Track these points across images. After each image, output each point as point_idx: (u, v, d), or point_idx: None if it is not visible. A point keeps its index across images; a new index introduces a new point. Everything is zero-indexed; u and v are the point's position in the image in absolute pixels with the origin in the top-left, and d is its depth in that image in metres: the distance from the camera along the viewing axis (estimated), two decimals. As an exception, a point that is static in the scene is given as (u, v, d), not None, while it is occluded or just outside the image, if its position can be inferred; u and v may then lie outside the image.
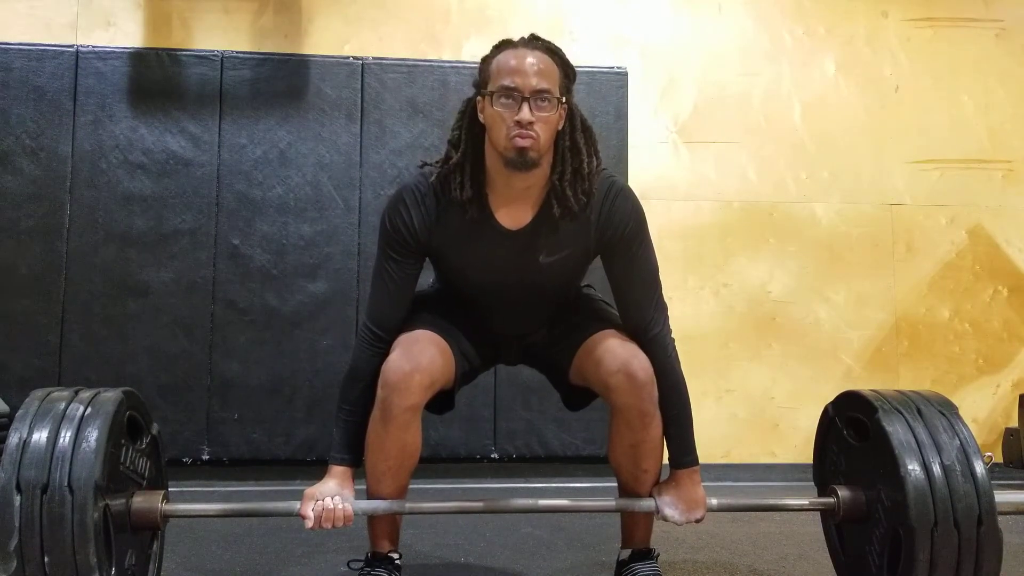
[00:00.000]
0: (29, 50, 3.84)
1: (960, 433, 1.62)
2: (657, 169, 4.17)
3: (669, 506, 1.74)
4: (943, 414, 1.65)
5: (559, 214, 1.65)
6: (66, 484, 1.41)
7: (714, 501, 1.76)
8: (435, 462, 3.64)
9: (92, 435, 1.47)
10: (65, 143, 3.80)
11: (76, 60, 3.85)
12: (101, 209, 3.81)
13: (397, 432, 1.68)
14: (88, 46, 3.89)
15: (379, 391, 1.68)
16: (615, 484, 1.90)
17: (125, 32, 3.97)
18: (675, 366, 1.76)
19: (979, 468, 1.58)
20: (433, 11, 4.18)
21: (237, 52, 3.96)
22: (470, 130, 1.66)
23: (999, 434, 4.19)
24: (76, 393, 1.55)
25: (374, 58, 4.03)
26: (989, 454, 1.66)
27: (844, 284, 4.26)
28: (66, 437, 1.46)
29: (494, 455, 3.90)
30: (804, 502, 1.83)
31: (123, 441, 1.58)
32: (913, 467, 1.57)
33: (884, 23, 4.43)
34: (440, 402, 1.83)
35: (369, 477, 1.76)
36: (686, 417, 1.76)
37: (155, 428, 1.73)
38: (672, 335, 1.77)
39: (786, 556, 2.37)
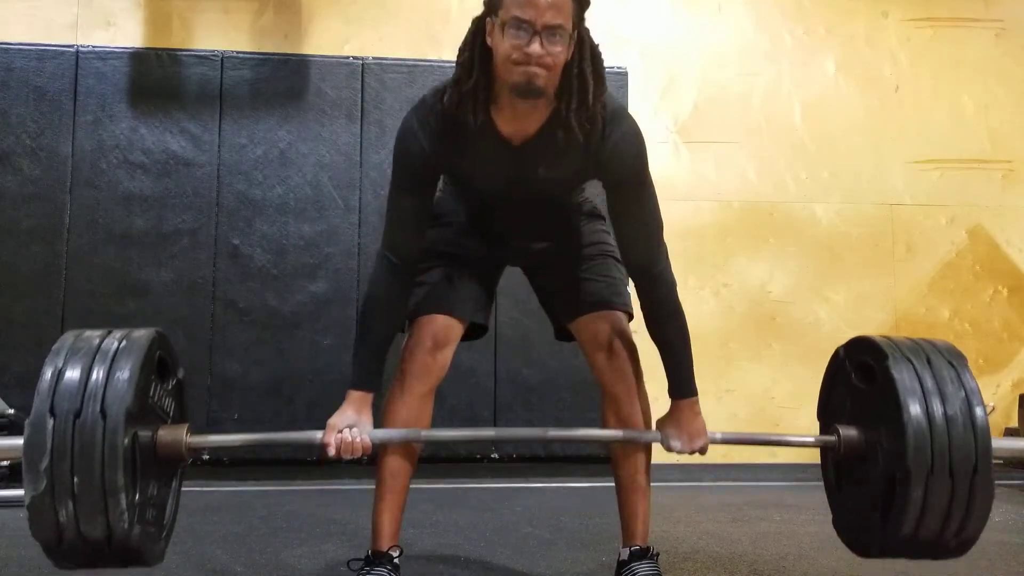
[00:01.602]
0: (29, 50, 3.84)
1: (966, 384, 1.64)
2: (657, 169, 4.10)
3: (672, 437, 1.80)
4: (952, 364, 1.68)
5: (561, 138, 1.67)
6: (99, 410, 1.44)
7: (718, 435, 1.82)
8: (435, 462, 3.64)
9: (126, 366, 1.50)
10: (65, 143, 3.80)
11: (76, 60, 3.85)
12: (101, 209, 3.81)
13: (414, 403, 1.82)
14: (88, 46, 3.89)
15: (400, 371, 1.83)
16: (615, 484, 1.94)
17: (125, 32, 3.97)
18: (676, 301, 1.82)
19: (980, 419, 1.60)
20: (433, 11, 4.18)
21: (237, 52, 3.96)
22: (480, 53, 1.65)
23: (999, 434, 4.19)
24: (109, 332, 1.59)
25: (374, 58, 4.03)
26: (991, 404, 1.69)
27: (844, 284, 4.26)
28: (100, 368, 1.49)
29: (494, 455, 3.90)
30: (807, 439, 1.87)
31: (153, 378, 1.61)
32: (916, 413, 1.60)
33: (884, 23, 4.43)
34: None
35: (383, 449, 1.84)
36: (686, 350, 1.83)
37: (181, 372, 1.77)
38: (671, 270, 1.82)
39: (786, 556, 2.37)
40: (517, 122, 1.69)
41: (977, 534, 1.63)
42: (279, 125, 3.95)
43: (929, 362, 1.67)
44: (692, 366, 1.83)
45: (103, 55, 3.88)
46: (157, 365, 1.64)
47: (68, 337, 1.58)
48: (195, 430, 1.66)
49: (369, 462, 1.80)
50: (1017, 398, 4.13)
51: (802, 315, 4.18)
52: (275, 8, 4.07)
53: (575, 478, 3.86)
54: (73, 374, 1.49)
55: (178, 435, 1.65)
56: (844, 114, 4.37)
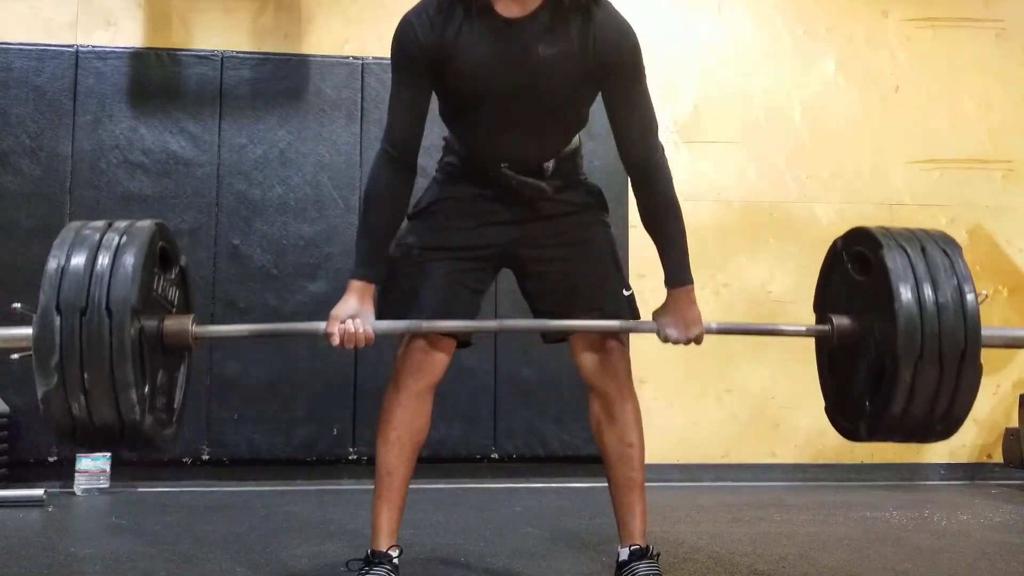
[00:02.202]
0: (29, 50, 3.83)
1: (959, 271, 1.67)
2: (657, 169, 4.15)
3: (668, 326, 1.82)
4: (946, 252, 1.70)
5: (568, 3, 1.69)
6: (104, 307, 1.49)
7: (713, 324, 1.83)
8: (435, 462, 3.64)
9: (128, 261, 1.53)
10: (65, 143, 3.80)
11: (76, 60, 3.85)
12: (101, 209, 3.80)
13: (411, 401, 1.84)
14: (88, 46, 3.89)
15: (395, 370, 1.85)
16: (609, 484, 1.94)
17: (125, 32, 3.96)
18: (672, 191, 1.86)
19: (971, 304, 1.63)
20: (433, 11, 4.17)
21: (237, 52, 3.96)
22: None
23: (999, 434, 4.19)
24: (110, 224, 1.62)
25: (374, 58, 4.02)
26: (984, 292, 1.70)
27: (844, 284, 4.25)
28: (103, 263, 1.52)
29: (494, 455, 3.90)
30: (800, 328, 1.93)
31: (156, 270, 1.65)
32: (907, 301, 1.63)
33: (884, 23, 4.43)
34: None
35: (380, 446, 1.85)
36: (683, 239, 1.87)
37: (183, 260, 1.81)
38: (667, 163, 1.85)
39: (786, 556, 2.37)
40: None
41: (963, 418, 1.67)
42: (279, 125, 3.94)
43: (923, 250, 1.70)
44: (688, 255, 1.86)
45: (103, 55, 3.88)
46: (159, 257, 1.67)
47: (70, 230, 1.61)
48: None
49: (368, 462, 1.80)
50: (1017, 398, 4.13)
51: (802, 315, 4.16)
52: (275, 8, 4.07)
53: (575, 478, 3.85)
54: (77, 269, 1.52)
55: (184, 325, 1.69)
56: (844, 114, 4.36)
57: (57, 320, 1.48)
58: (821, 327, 1.85)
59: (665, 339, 1.82)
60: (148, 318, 1.59)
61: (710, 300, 4.18)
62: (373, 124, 3.98)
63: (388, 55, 4.27)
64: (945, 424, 1.66)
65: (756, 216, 4.26)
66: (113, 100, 3.86)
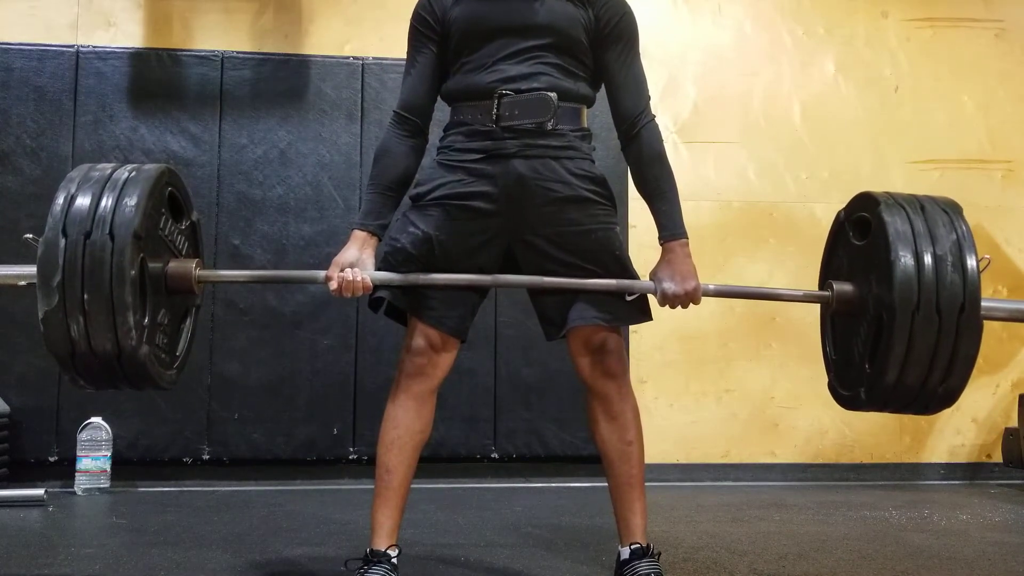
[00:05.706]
0: (29, 50, 3.84)
1: (958, 229, 1.67)
2: (657, 169, 4.15)
3: (664, 279, 1.84)
4: (946, 211, 1.70)
5: None
6: (108, 232, 1.56)
7: (710, 286, 1.86)
8: (435, 462, 3.64)
9: (135, 193, 1.61)
10: (65, 143, 3.80)
11: (76, 60, 3.85)
12: (101, 209, 3.80)
13: (411, 403, 1.86)
14: (88, 46, 3.89)
15: (397, 371, 1.87)
16: (608, 484, 1.94)
17: (125, 32, 3.96)
18: (663, 150, 1.91)
19: (971, 262, 1.62)
20: (433, 11, 4.17)
21: (237, 52, 3.96)
22: None
23: (999, 434, 4.19)
24: (121, 164, 1.70)
25: (374, 58, 4.03)
26: (986, 256, 1.69)
27: (844, 284, 4.25)
28: (110, 195, 1.60)
29: (494, 455, 3.90)
30: (797, 293, 1.96)
31: (163, 210, 1.71)
32: (904, 254, 1.63)
33: (884, 23, 4.43)
34: None
35: (380, 445, 1.87)
36: (674, 193, 1.91)
37: (195, 216, 1.88)
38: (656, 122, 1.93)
39: (786, 556, 2.38)
40: None
41: (963, 381, 1.63)
42: (279, 125, 3.95)
43: (922, 208, 1.70)
44: (681, 209, 1.90)
45: (103, 55, 3.88)
46: (169, 200, 1.73)
47: (82, 168, 1.69)
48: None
49: (369, 462, 1.81)
50: (1017, 398, 4.13)
51: (802, 315, 4.17)
52: (275, 8, 4.07)
53: (575, 478, 3.86)
54: (84, 199, 1.60)
55: (187, 267, 1.74)
56: (844, 114, 4.37)
57: (62, 242, 1.55)
58: (821, 292, 1.87)
59: (663, 295, 1.82)
60: (154, 256, 1.64)
61: (710, 300, 4.16)
62: (373, 124, 3.98)
63: (388, 56, 4.27)
64: (945, 388, 1.62)
65: (756, 216, 4.26)
66: (113, 100, 3.86)
